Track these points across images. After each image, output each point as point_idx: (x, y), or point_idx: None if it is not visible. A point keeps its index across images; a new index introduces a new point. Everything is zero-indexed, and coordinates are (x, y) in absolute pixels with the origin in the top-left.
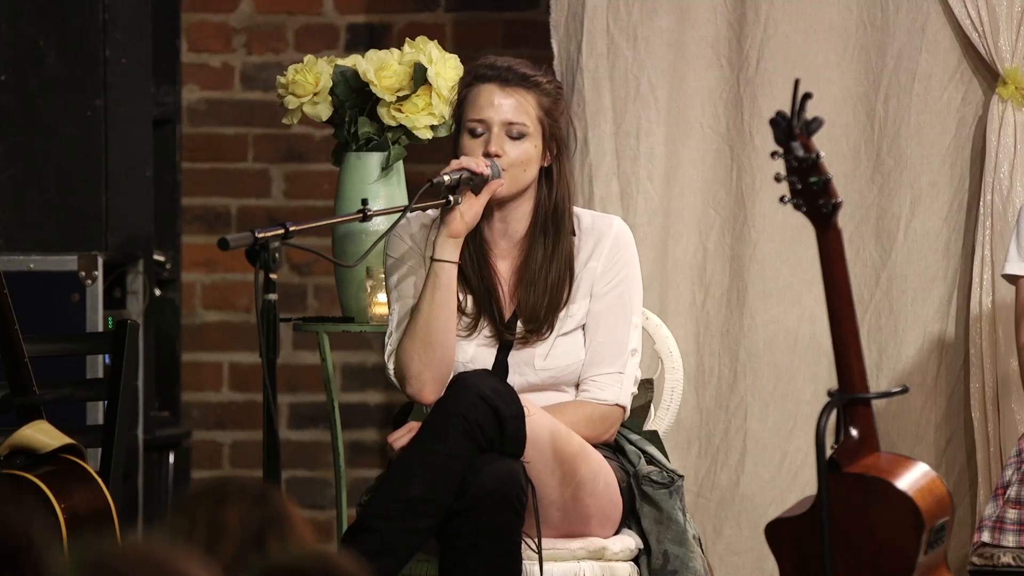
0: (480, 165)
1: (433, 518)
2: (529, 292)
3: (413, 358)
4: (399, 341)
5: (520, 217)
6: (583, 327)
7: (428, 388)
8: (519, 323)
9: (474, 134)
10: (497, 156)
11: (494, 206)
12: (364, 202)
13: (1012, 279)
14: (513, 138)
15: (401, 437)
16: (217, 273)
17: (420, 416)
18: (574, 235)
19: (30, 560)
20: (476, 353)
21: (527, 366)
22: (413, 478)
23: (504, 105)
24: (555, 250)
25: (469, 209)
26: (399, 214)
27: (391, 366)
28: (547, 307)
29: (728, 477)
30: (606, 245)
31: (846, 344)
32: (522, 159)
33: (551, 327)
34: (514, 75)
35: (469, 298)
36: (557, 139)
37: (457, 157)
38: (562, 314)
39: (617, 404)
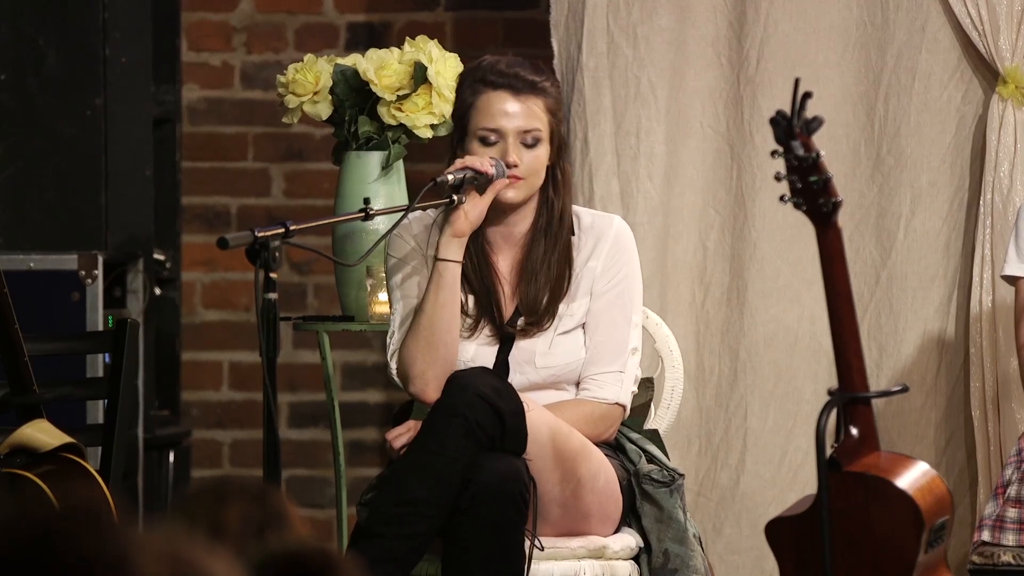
0: (485, 164)
1: (436, 519)
2: (530, 285)
3: (416, 357)
4: (402, 341)
5: (525, 217)
6: (583, 326)
7: (431, 387)
8: (520, 320)
9: (487, 143)
10: (515, 165)
11: (503, 207)
12: (366, 201)
13: (1011, 280)
14: (528, 145)
15: (400, 435)
16: (217, 272)
17: (421, 415)
18: (573, 234)
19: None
20: (477, 352)
21: (528, 364)
22: (415, 481)
23: (517, 113)
24: (555, 246)
25: (473, 208)
26: (401, 213)
27: (394, 365)
28: (548, 299)
29: (728, 476)
30: (606, 244)
31: (846, 343)
32: (536, 165)
33: (552, 317)
34: (523, 83)
35: (470, 297)
36: (559, 137)
37: (458, 158)
38: (562, 310)
39: (617, 403)
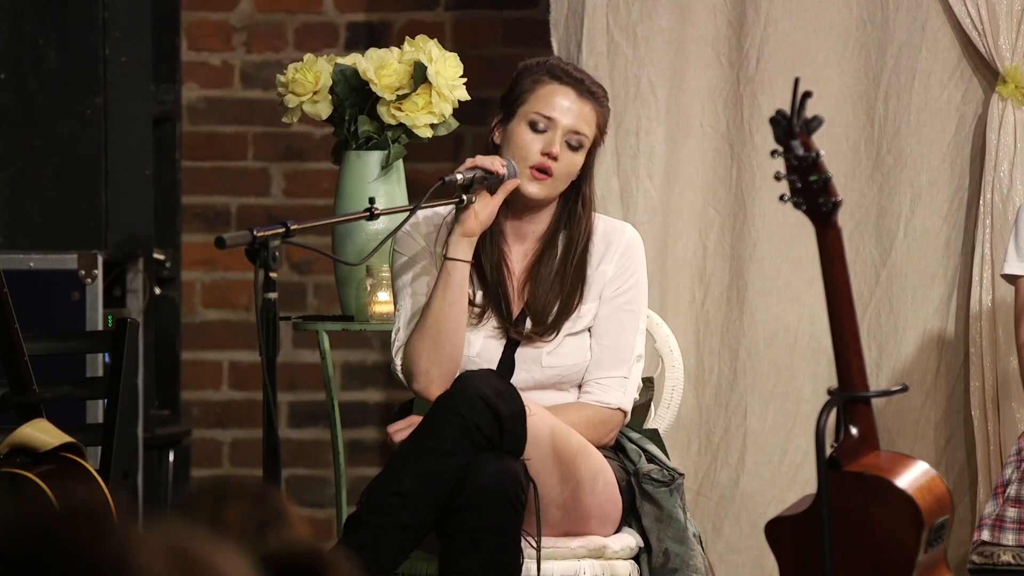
0: (496, 164)
1: (424, 513)
2: (539, 292)
3: (422, 355)
4: (408, 338)
5: (544, 217)
6: (590, 329)
7: (435, 385)
8: (527, 322)
9: (536, 128)
10: (554, 159)
11: (523, 203)
12: (371, 200)
13: (1011, 279)
14: (572, 147)
15: (402, 429)
16: (217, 271)
17: (422, 413)
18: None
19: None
20: (484, 346)
21: (534, 363)
22: (406, 473)
23: (574, 111)
24: (570, 254)
25: (484, 208)
26: (405, 212)
27: (398, 362)
28: (557, 311)
29: (728, 475)
30: (618, 250)
31: (846, 343)
32: (570, 169)
33: (558, 331)
34: (586, 89)
35: (478, 290)
36: (594, 155)
37: (496, 143)
38: (572, 315)
39: (620, 408)
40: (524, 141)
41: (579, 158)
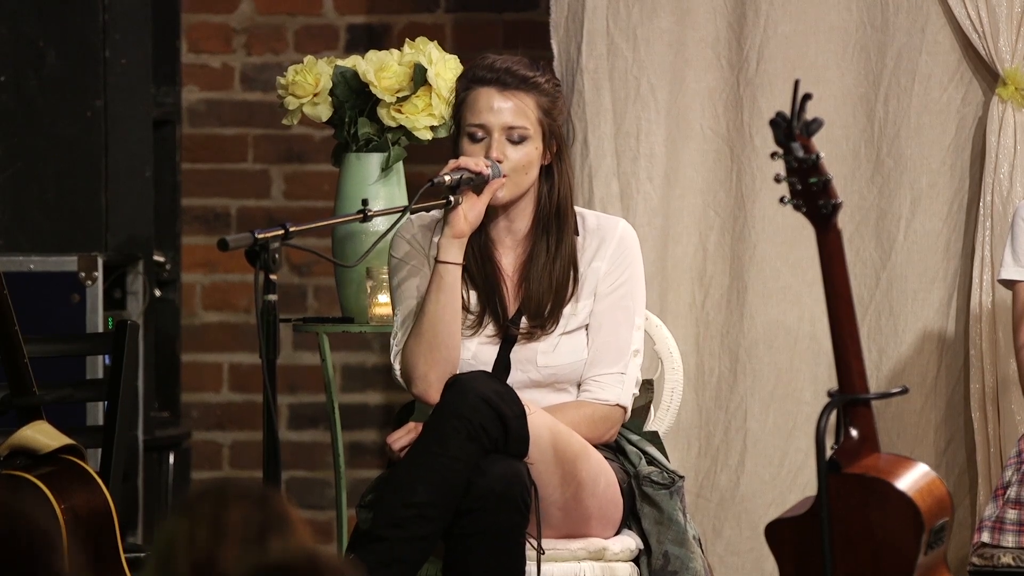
0: (479, 164)
1: (440, 522)
2: (533, 288)
3: (419, 358)
4: (404, 342)
5: (522, 215)
6: (586, 327)
7: (434, 388)
8: (523, 319)
9: (474, 139)
10: (499, 161)
11: (497, 206)
12: (364, 202)
13: (1008, 284)
14: (514, 142)
15: (401, 438)
16: (217, 274)
17: (422, 416)
18: (578, 234)
19: (36, 555)
20: (479, 350)
21: (529, 363)
22: (418, 484)
23: (504, 109)
24: (559, 247)
25: (471, 209)
26: (399, 214)
27: (397, 366)
28: (552, 303)
29: (728, 477)
30: (611, 245)
31: (846, 345)
32: (524, 163)
33: (556, 323)
34: (513, 77)
35: (472, 294)
36: (556, 137)
37: (456, 159)
38: (567, 311)
39: (618, 404)
40: (469, 154)
41: (529, 149)
